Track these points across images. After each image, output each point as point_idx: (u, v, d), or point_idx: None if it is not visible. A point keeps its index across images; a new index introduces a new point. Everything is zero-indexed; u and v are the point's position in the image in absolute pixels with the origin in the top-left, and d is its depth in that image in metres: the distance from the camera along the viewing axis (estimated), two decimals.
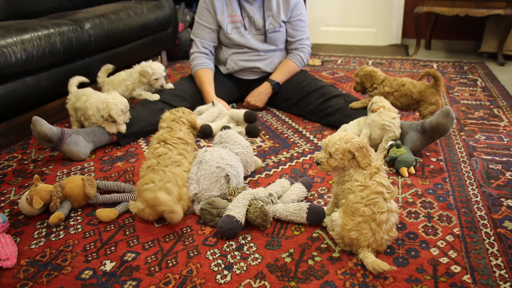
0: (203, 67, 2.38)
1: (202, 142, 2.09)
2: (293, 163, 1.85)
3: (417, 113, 2.29)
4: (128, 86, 2.30)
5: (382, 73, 2.14)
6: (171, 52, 3.74)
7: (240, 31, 2.36)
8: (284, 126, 2.25)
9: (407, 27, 4.20)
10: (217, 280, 1.20)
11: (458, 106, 2.49)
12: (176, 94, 2.29)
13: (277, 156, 1.92)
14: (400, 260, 1.25)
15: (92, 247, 1.36)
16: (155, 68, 2.26)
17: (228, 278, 1.21)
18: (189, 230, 1.42)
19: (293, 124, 2.28)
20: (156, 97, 2.27)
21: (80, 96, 2.09)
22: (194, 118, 1.69)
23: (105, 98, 1.99)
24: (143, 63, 2.30)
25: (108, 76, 2.38)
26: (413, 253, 1.28)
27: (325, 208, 1.44)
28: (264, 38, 2.37)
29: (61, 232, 1.44)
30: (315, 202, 1.54)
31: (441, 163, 1.81)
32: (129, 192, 1.60)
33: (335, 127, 2.13)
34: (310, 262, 1.26)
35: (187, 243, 1.36)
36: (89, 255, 1.32)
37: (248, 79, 2.48)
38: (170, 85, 2.38)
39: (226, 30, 2.34)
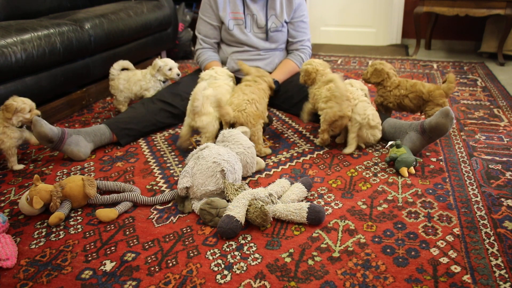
0: (211, 60, 2.41)
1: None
2: (293, 163, 1.86)
3: (417, 114, 2.29)
4: (142, 86, 2.39)
5: (396, 77, 2.13)
6: (171, 52, 3.75)
7: (241, 28, 2.36)
8: (284, 126, 2.25)
9: (407, 27, 4.20)
10: (217, 280, 1.20)
11: (458, 106, 2.49)
12: (176, 93, 2.29)
13: (277, 156, 1.93)
14: (400, 260, 1.25)
15: (92, 247, 1.36)
16: (166, 60, 2.41)
17: (228, 278, 1.21)
18: (189, 230, 1.42)
19: (293, 124, 2.28)
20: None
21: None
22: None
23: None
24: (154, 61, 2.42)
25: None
26: (413, 253, 1.28)
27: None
28: (265, 36, 2.38)
29: (61, 232, 1.44)
30: (315, 202, 1.54)
31: (441, 163, 1.81)
32: (129, 192, 1.60)
33: None
34: (310, 262, 1.26)
35: (187, 243, 1.36)
36: (89, 255, 1.32)
37: None
38: (177, 72, 2.44)
39: (227, 26, 2.34)
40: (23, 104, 1.81)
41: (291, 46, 2.48)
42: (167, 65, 2.39)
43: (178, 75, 2.42)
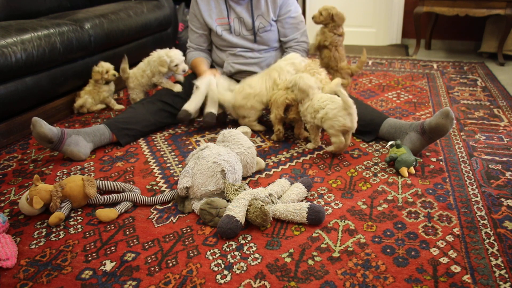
0: (195, 57, 2.41)
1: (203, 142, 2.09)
2: (293, 163, 1.86)
3: (417, 114, 2.29)
4: (148, 75, 2.40)
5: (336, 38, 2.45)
6: None
7: (230, 32, 2.34)
8: (283, 126, 2.24)
9: (407, 27, 4.20)
10: (217, 280, 1.20)
11: (458, 106, 2.49)
12: (175, 95, 2.29)
13: (277, 156, 1.93)
14: (400, 260, 1.25)
15: (92, 247, 1.36)
16: (172, 55, 2.33)
17: (228, 278, 1.21)
18: (189, 230, 1.42)
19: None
20: (179, 88, 2.32)
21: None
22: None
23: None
24: (160, 52, 2.36)
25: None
26: (413, 253, 1.28)
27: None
28: (253, 38, 2.35)
29: (61, 232, 1.44)
30: (315, 202, 1.54)
31: (441, 163, 1.81)
32: (129, 192, 1.60)
33: None
34: (310, 262, 1.26)
35: (187, 243, 1.36)
36: (89, 255, 1.32)
37: None
38: (180, 81, 2.40)
39: (216, 32, 2.33)
40: (102, 68, 2.49)
41: (285, 44, 2.44)
42: (173, 62, 2.33)
43: (184, 71, 2.37)
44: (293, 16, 2.36)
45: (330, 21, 2.33)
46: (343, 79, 2.36)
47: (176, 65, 2.33)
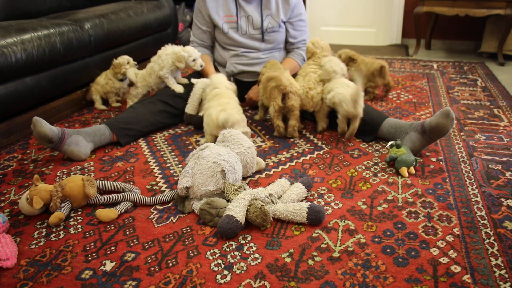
0: (201, 54, 2.39)
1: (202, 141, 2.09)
2: (293, 163, 1.86)
3: (417, 114, 2.29)
4: (155, 70, 2.34)
5: (359, 56, 2.55)
6: None
7: (236, 30, 2.34)
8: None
9: (407, 27, 4.20)
10: (217, 280, 1.20)
11: (458, 106, 2.49)
12: (176, 95, 2.29)
13: (277, 156, 1.93)
14: (400, 260, 1.25)
15: (92, 247, 1.36)
16: (189, 49, 2.29)
17: (228, 278, 1.21)
18: (189, 230, 1.42)
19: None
20: (180, 88, 2.29)
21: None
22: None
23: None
24: (175, 48, 2.31)
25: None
26: (413, 253, 1.28)
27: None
28: (261, 37, 2.36)
29: (61, 232, 1.44)
30: (315, 202, 1.54)
31: (441, 163, 1.81)
32: (129, 192, 1.60)
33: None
34: (310, 262, 1.26)
35: (187, 243, 1.36)
36: (89, 255, 1.32)
37: (248, 81, 2.46)
38: (182, 84, 2.38)
39: (222, 29, 2.33)
40: (123, 59, 2.52)
41: (291, 45, 2.47)
42: (191, 56, 2.25)
43: (202, 66, 2.29)
44: (303, 19, 2.43)
45: (350, 63, 2.53)
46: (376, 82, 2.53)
47: (194, 60, 2.26)
